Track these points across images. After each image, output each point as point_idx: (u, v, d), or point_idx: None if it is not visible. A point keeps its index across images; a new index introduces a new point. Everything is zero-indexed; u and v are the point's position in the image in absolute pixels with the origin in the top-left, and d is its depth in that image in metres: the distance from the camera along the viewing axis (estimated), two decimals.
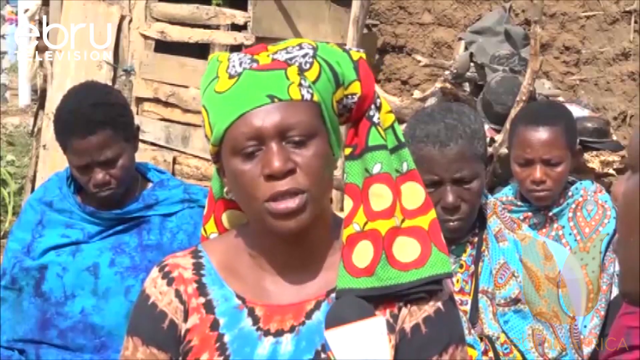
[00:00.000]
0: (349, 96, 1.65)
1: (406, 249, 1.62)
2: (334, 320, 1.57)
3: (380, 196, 1.63)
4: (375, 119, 1.65)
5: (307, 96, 1.59)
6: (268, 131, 1.57)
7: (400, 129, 1.71)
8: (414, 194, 1.66)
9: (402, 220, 1.63)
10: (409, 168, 1.68)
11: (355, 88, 1.64)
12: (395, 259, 1.61)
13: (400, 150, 1.68)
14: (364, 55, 1.67)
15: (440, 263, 1.62)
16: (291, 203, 1.56)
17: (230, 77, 1.60)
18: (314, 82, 1.60)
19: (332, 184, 1.67)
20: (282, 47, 1.64)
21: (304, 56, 1.61)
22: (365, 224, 1.62)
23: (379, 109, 1.66)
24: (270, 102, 1.57)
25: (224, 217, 1.76)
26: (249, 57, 1.63)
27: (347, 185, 1.65)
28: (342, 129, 1.69)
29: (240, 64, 1.61)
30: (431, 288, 1.62)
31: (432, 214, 1.66)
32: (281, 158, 1.56)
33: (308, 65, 1.61)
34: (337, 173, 1.71)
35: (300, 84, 1.59)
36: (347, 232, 1.63)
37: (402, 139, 1.69)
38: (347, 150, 1.67)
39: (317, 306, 1.64)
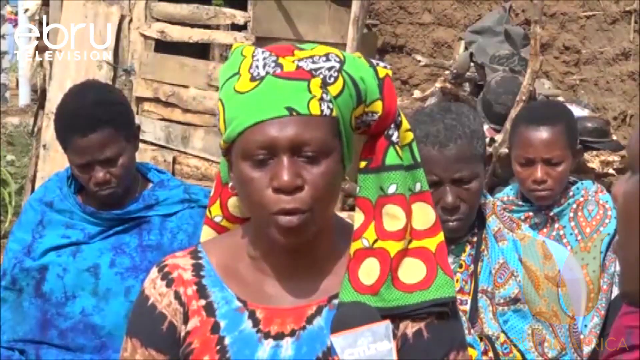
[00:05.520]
0: (369, 114, 1.61)
1: (411, 270, 1.60)
2: (340, 324, 1.56)
3: (394, 217, 1.61)
4: (394, 138, 1.62)
5: (327, 112, 1.55)
6: (282, 143, 1.53)
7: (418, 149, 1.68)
8: (424, 215, 1.64)
9: (410, 241, 1.62)
10: (422, 189, 1.65)
11: (377, 107, 1.60)
12: (400, 280, 1.60)
13: (416, 170, 1.65)
14: (390, 73, 1.63)
15: (446, 286, 1.61)
16: (294, 219, 1.55)
17: (252, 79, 1.56)
18: (335, 97, 1.57)
19: (338, 197, 1.65)
20: (309, 55, 1.59)
21: (329, 69, 1.57)
22: (375, 241, 1.60)
23: (398, 127, 1.63)
24: (289, 114, 1.54)
25: (230, 202, 1.73)
26: (273, 59, 1.58)
27: (359, 199, 1.63)
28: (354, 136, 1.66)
29: (264, 66, 1.57)
30: (433, 310, 1.61)
31: (440, 236, 1.64)
32: (291, 173, 1.53)
33: (332, 80, 1.57)
34: None
35: (321, 98, 1.55)
36: (355, 245, 1.62)
37: (419, 159, 1.66)
38: (362, 164, 1.64)
39: (319, 311, 1.63)
